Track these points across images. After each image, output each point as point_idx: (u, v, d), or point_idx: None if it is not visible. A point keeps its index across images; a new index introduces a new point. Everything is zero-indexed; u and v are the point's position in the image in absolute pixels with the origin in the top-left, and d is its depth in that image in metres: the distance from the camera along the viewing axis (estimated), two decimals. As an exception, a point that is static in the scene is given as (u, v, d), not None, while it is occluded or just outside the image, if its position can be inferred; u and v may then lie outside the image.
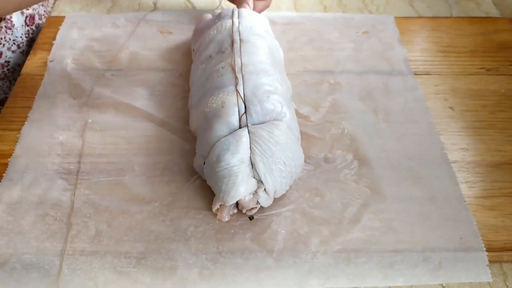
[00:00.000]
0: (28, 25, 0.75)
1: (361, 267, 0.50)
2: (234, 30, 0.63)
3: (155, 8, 0.84)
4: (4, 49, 0.72)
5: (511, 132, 0.64)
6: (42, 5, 0.78)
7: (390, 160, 0.60)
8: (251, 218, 0.53)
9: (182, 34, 0.77)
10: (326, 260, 0.51)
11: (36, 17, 0.76)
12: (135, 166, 0.59)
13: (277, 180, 0.52)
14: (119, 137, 0.62)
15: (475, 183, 0.58)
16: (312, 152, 0.60)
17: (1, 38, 0.71)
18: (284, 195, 0.55)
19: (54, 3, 0.83)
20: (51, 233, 0.52)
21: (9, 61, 0.72)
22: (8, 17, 0.71)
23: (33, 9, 0.75)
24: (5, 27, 0.70)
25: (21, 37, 0.74)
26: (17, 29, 0.73)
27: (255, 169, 0.51)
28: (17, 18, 0.73)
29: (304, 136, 0.61)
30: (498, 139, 0.63)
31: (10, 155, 0.59)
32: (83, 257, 0.50)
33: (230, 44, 0.61)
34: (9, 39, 0.72)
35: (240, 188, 0.50)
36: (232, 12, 0.66)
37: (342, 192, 0.56)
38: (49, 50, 0.73)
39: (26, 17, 0.74)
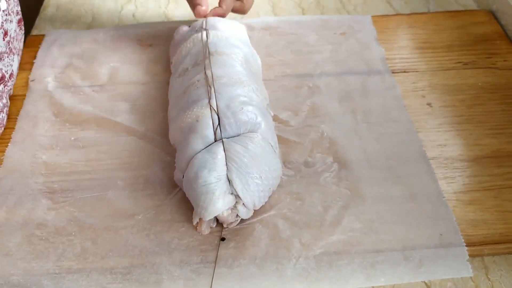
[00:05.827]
0: None
1: (343, 269, 0.51)
2: (208, 42, 0.63)
3: (135, 20, 0.84)
4: None
5: (489, 126, 0.65)
6: None
7: (369, 160, 0.61)
8: (222, 239, 0.53)
9: (161, 45, 0.77)
10: (308, 264, 0.51)
11: None
12: (118, 181, 0.59)
13: (254, 194, 0.53)
14: (102, 152, 0.63)
15: (453, 178, 0.59)
16: (292, 157, 0.61)
17: None
18: (265, 201, 0.56)
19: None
20: (37, 253, 0.53)
21: None
22: None
23: None
24: None
25: None
26: None
27: (232, 186, 0.52)
28: None
29: (284, 141, 0.62)
30: (476, 133, 0.64)
31: (-5, 178, 0.60)
32: (69, 276, 0.51)
33: (206, 57, 0.61)
34: None
35: (217, 204, 0.51)
36: (204, 23, 0.66)
37: (322, 196, 0.57)
38: (30, 70, 0.74)
39: None
